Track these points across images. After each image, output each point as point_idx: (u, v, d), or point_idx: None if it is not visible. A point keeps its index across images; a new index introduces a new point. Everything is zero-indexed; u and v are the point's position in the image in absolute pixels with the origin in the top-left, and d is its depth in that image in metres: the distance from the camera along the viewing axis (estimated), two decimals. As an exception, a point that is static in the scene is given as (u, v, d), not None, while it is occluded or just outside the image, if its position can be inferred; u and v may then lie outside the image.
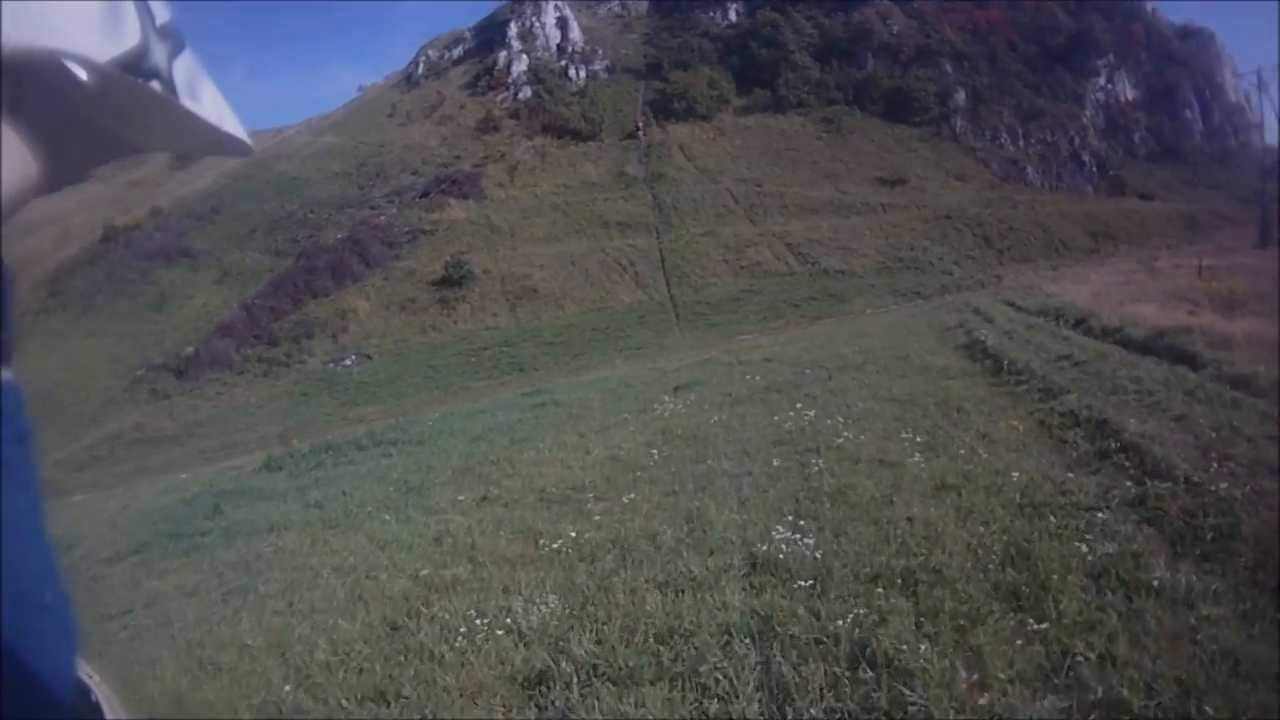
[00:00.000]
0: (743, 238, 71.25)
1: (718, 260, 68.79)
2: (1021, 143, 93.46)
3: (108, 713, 1.11)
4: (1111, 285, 33.18)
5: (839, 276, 65.13)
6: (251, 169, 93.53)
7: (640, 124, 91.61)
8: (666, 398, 20.00)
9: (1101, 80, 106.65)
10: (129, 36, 0.96)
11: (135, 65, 0.97)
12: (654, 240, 72.70)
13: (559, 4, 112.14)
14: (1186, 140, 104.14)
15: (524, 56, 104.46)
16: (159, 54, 1.00)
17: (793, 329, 48.67)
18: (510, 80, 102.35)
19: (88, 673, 1.03)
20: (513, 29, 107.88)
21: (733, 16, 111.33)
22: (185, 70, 1.06)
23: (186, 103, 1.04)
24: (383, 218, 78.95)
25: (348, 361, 58.60)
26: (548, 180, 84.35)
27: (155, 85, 1.00)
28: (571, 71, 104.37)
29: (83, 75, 0.91)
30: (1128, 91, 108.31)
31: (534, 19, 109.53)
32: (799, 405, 15.23)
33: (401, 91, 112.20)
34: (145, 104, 1.00)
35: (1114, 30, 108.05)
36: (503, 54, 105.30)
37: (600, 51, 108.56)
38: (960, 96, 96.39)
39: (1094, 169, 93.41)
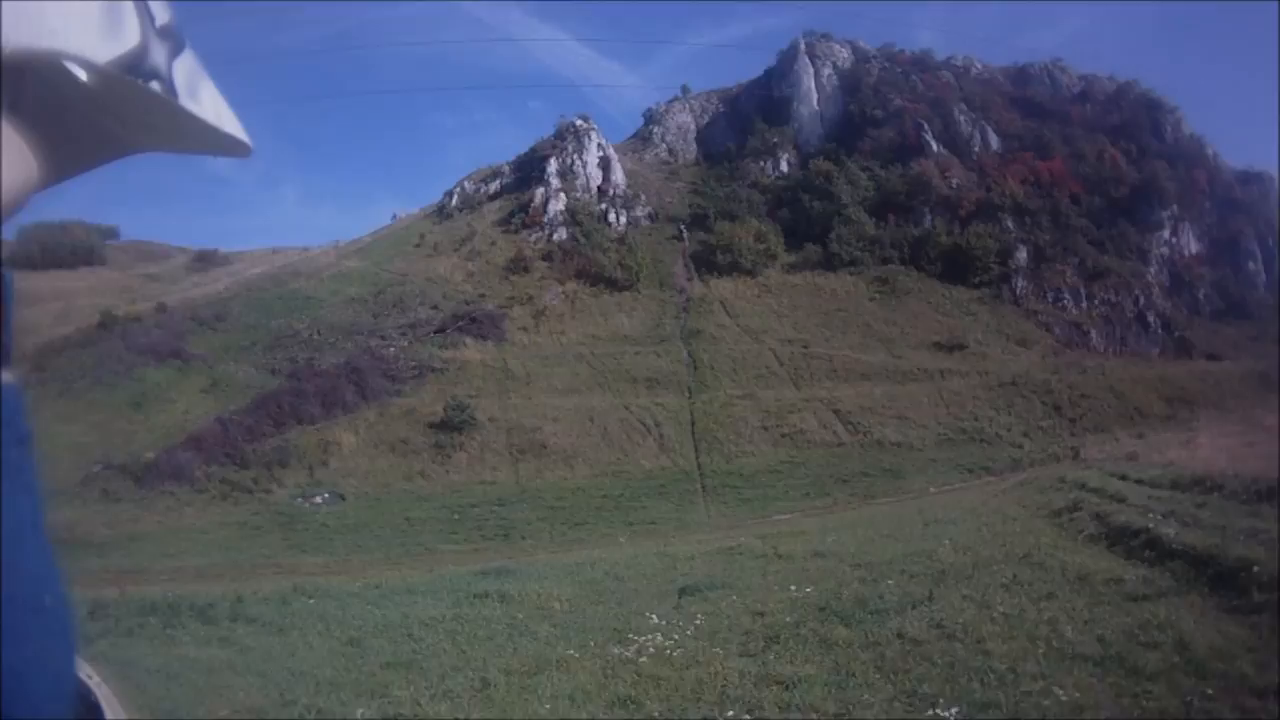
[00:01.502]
0: (785, 403, 65.65)
1: (755, 426, 63.13)
2: (1085, 304, 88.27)
3: (108, 713, 1.14)
4: (1234, 446, 26.95)
5: (894, 449, 59.47)
6: (267, 282, 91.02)
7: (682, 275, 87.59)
8: (661, 613, 13.61)
9: (1166, 234, 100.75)
10: (129, 37, 0.97)
11: (135, 66, 0.98)
12: (685, 400, 67.50)
13: (603, 143, 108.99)
14: (1250, 294, 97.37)
15: (562, 195, 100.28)
16: (159, 54, 1.01)
17: (843, 509, 43.14)
18: (546, 219, 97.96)
19: (88, 673, 1.12)
20: (552, 165, 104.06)
21: (784, 167, 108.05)
22: (185, 71, 1.07)
23: (186, 103, 1.06)
24: (392, 349, 74.84)
25: (318, 499, 54.28)
26: (576, 328, 79.82)
27: (155, 86, 1.01)
28: (611, 215, 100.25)
29: (82, 76, 0.93)
30: (1192, 245, 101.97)
31: (575, 156, 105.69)
32: (887, 662, 9.12)
33: (433, 222, 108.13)
34: (145, 104, 1.02)
35: (1177, 178, 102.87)
36: (540, 191, 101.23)
37: (643, 197, 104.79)
38: (1022, 255, 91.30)
39: (1159, 330, 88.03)
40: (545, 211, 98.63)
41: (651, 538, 38.13)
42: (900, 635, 9.99)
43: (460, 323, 78.61)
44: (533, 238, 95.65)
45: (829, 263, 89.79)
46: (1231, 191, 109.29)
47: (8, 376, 0.90)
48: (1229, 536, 12.19)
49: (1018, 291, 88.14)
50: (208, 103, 1.08)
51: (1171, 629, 8.78)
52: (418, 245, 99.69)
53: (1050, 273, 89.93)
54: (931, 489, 47.33)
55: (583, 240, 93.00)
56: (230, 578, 30.30)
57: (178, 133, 1.07)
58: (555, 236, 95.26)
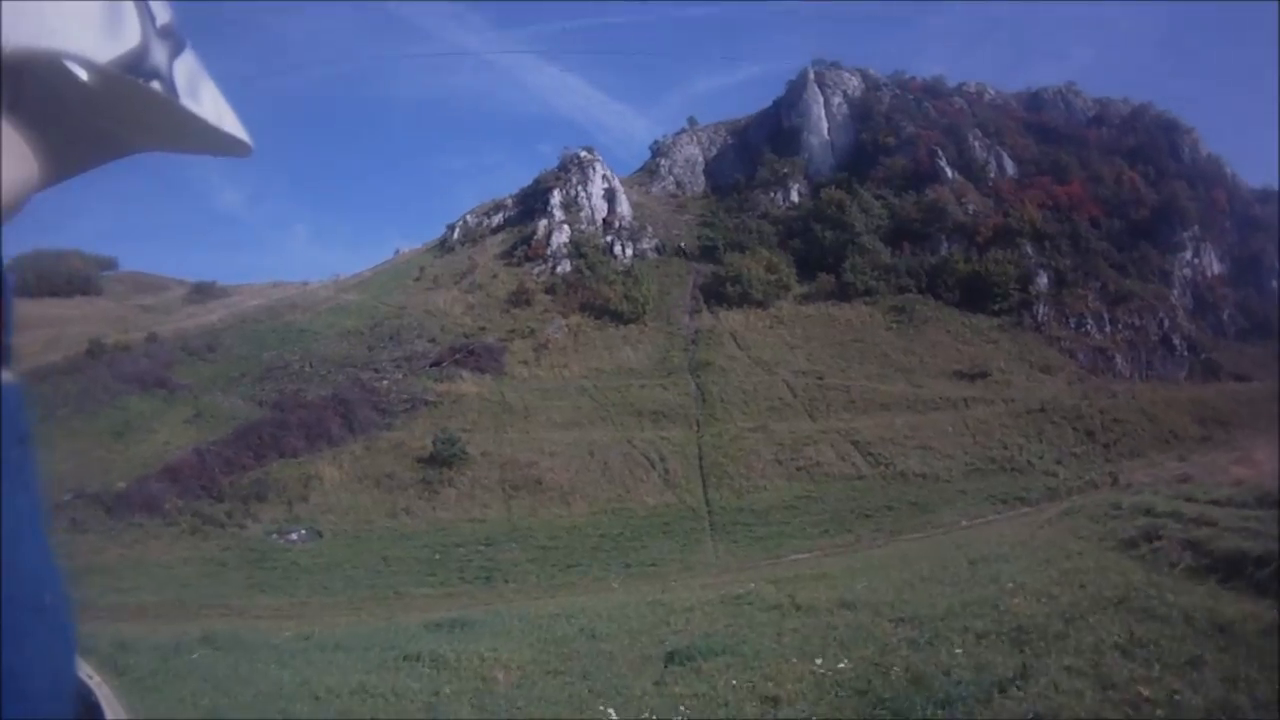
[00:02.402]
0: (800, 435, 62.16)
1: (769, 460, 59.64)
2: (1109, 329, 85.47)
3: (107, 713, 1.11)
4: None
5: (919, 481, 56.08)
6: (262, 314, 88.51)
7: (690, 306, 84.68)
8: (634, 694, 10.42)
9: (1188, 255, 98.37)
10: (129, 37, 0.97)
11: (135, 65, 0.98)
12: (692, 433, 64.01)
13: (608, 174, 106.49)
14: (1274, 312, 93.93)
15: (566, 228, 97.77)
16: (159, 54, 1.01)
17: (867, 548, 39.39)
18: (549, 252, 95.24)
19: (88, 673, 1.14)
20: (555, 198, 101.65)
21: (795, 198, 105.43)
22: (185, 70, 1.07)
23: (187, 103, 1.06)
24: (385, 381, 71.66)
25: (294, 535, 51.42)
26: (579, 362, 76.53)
27: (155, 85, 1.01)
28: (617, 248, 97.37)
29: (83, 75, 0.93)
30: (1214, 265, 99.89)
31: (580, 188, 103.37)
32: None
33: (435, 256, 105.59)
34: (145, 104, 1.02)
35: (1197, 198, 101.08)
36: (543, 223, 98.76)
37: (650, 229, 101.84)
38: (1043, 281, 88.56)
39: (1185, 352, 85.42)
40: (549, 244, 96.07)
41: (650, 581, 34.72)
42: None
43: (458, 355, 75.63)
44: (535, 270, 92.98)
45: (843, 293, 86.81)
46: (1251, 210, 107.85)
47: (8, 376, 0.90)
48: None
49: (1039, 318, 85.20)
50: (208, 102, 1.07)
51: None
52: (417, 279, 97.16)
53: (1072, 298, 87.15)
54: (964, 522, 43.96)
55: (587, 273, 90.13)
56: (167, 618, 28.50)
57: (178, 132, 1.07)
58: (559, 269, 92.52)
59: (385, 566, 45.89)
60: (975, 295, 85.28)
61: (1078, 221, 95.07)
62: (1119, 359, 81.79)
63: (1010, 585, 14.10)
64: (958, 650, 9.85)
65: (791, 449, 60.31)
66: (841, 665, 10.23)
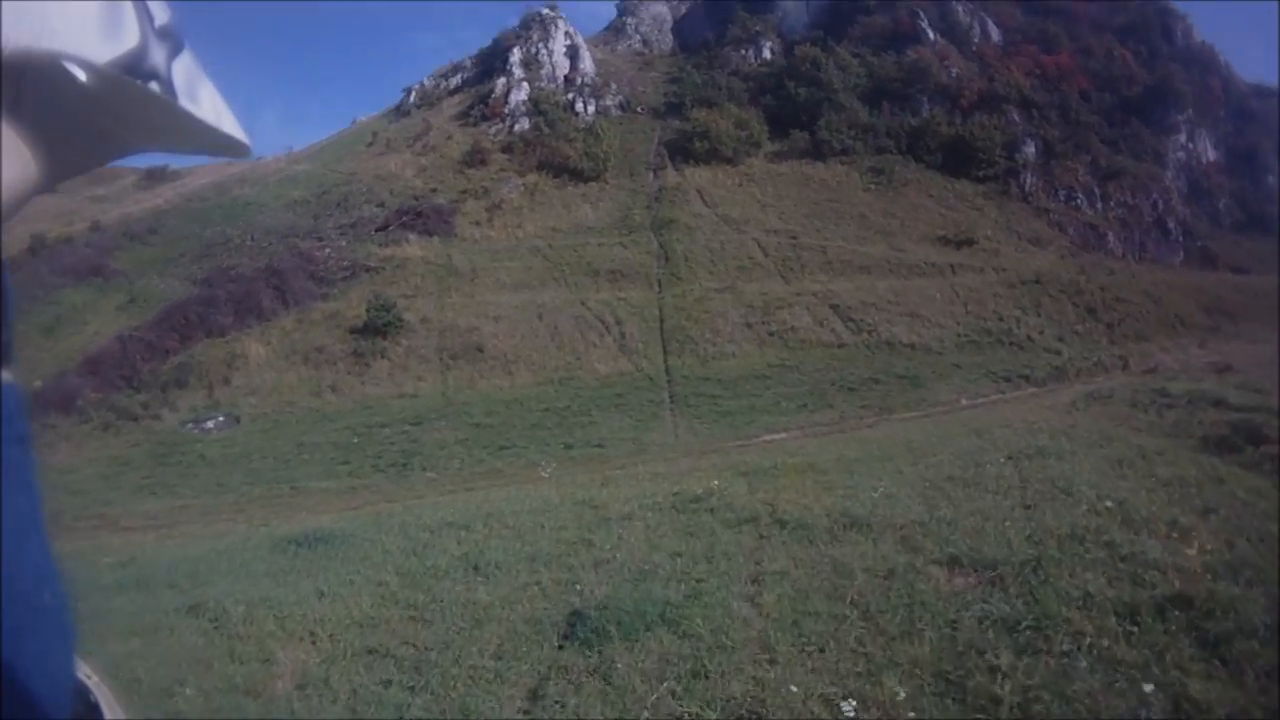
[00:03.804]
0: (773, 297, 56.67)
1: (737, 323, 54.16)
2: (1100, 205, 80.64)
3: (107, 713, 1.15)
4: None
5: (908, 351, 50.76)
6: (209, 192, 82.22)
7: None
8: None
9: (1182, 138, 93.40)
10: (128, 37, 0.97)
11: (134, 66, 0.97)
12: (653, 294, 58.42)
13: (570, 31, 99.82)
14: (1272, 207, 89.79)
15: (525, 85, 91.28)
16: (158, 55, 1.01)
17: (855, 427, 33.52)
18: (507, 110, 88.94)
19: (87, 673, 1.18)
20: (515, 55, 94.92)
21: (767, 54, 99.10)
22: (184, 71, 1.06)
23: (185, 104, 1.05)
24: (328, 250, 65.51)
25: (210, 424, 45.76)
26: (534, 221, 70.69)
27: (154, 86, 1.01)
28: (579, 105, 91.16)
29: (82, 76, 0.93)
30: (1209, 152, 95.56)
31: (540, 45, 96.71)
32: None
33: (390, 121, 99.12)
34: (144, 105, 1.01)
35: (1191, 83, 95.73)
36: (501, 81, 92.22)
37: (614, 86, 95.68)
38: (1030, 149, 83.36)
39: (1180, 238, 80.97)
40: (507, 102, 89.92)
41: (592, 467, 28.81)
42: None
43: (404, 218, 69.81)
44: (492, 130, 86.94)
45: (818, 151, 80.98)
46: (1246, 103, 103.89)
47: (7, 375, 0.91)
48: None
49: (1026, 188, 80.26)
50: (207, 103, 1.07)
51: None
52: (369, 144, 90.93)
53: (1061, 170, 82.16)
54: (963, 400, 39.17)
55: (546, 130, 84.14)
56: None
57: (177, 133, 1.06)
58: (517, 127, 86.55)
59: (296, 455, 40.45)
60: (958, 160, 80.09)
61: (1067, 92, 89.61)
62: (1111, 237, 77.31)
63: (1109, 504, 9.03)
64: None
65: (763, 312, 54.84)
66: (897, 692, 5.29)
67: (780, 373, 47.91)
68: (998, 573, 7.09)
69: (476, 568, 10.18)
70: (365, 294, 57.51)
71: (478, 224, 70.44)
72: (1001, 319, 54.67)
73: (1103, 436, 15.57)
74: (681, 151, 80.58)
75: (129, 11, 0.96)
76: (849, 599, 6.95)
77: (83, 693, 1.05)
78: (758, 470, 16.43)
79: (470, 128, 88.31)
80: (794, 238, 66.12)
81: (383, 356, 51.37)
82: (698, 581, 8.15)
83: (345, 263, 63.21)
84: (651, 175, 78.52)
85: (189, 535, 21.62)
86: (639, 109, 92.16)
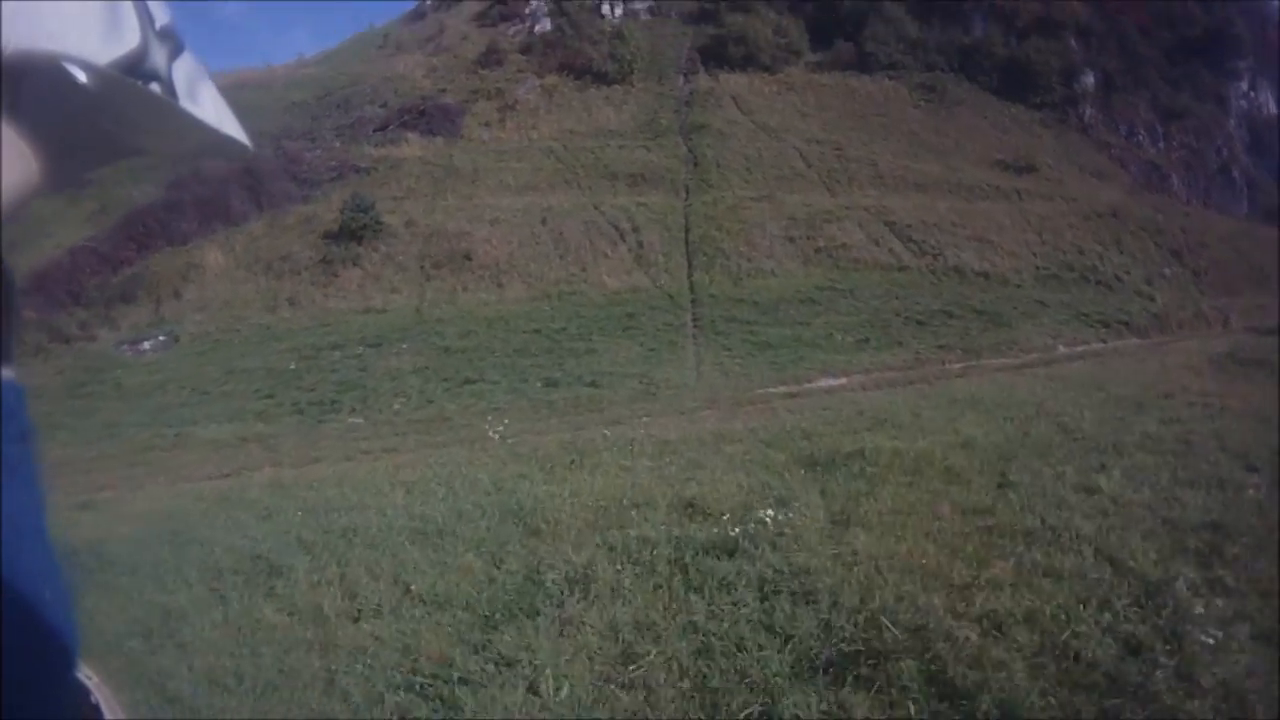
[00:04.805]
0: (818, 209, 49.74)
1: (777, 236, 47.01)
2: (1162, 145, 74.84)
3: (107, 713, 1.18)
4: None
5: (981, 281, 43.81)
6: None
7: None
8: None
9: (1244, 86, 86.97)
10: (128, 39, 0.97)
11: (135, 67, 0.98)
12: (679, 201, 51.61)
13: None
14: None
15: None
16: (158, 56, 1.01)
17: (936, 376, 25.64)
18: (528, 10, 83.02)
19: (87, 673, 1.19)
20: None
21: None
22: (184, 72, 1.07)
23: (186, 105, 1.06)
24: (318, 151, 59.57)
25: (147, 344, 40.21)
26: (550, 124, 64.40)
27: (155, 87, 1.01)
28: (605, 6, 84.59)
29: (82, 77, 0.93)
30: (1271, 105, 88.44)
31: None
32: None
33: (404, 24, 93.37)
34: (145, 106, 1.02)
35: (1252, 31, 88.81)
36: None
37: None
38: (1089, 79, 77.13)
39: (1244, 188, 75.40)
40: (527, 2, 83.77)
41: (577, 420, 21.73)
42: None
43: (405, 118, 63.94)
44: (511, 30, 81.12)
45: (863, 64, 74.99)
46: None
47: (8, 374, 0.93)
48: None
49: (1085, 119, 74.38)
50: (207, 104, 1.09)
51: None
52: (380, 47, 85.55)
53: (1121, 103, 76.17)
54: (1061, 347, 32.98)
55: (569, 31, 78.06)
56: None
57: (177, 134, 1.07)
58: (537, 28, 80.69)
59: (217, 386, 33.89)
60: (1013, 83, 74.13)
61: (1126, 25, 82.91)
62: (1175, 179, 71.63)
63: None
64: None
65: (807, 225, 47.78)
66: None
67: (831, 297, 40.79)
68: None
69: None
70: (349, 197, 51.11)
71: (487, 125, 64.63)
72: (1082, 252, 48.28)
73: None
74: (715, 57, 74.58)
75: (129, 13, 0.95)
76: None
77: (83, 693, 1.03)
78: (822, 446, 10.17)
79: (488, 28, 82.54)
80: (839, 149, 59.88)
81: (355, 264, 45.42)
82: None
83: (334, 163, 57.39)
84: (682, 80, 72.59)
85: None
86: (671, 13, 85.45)
